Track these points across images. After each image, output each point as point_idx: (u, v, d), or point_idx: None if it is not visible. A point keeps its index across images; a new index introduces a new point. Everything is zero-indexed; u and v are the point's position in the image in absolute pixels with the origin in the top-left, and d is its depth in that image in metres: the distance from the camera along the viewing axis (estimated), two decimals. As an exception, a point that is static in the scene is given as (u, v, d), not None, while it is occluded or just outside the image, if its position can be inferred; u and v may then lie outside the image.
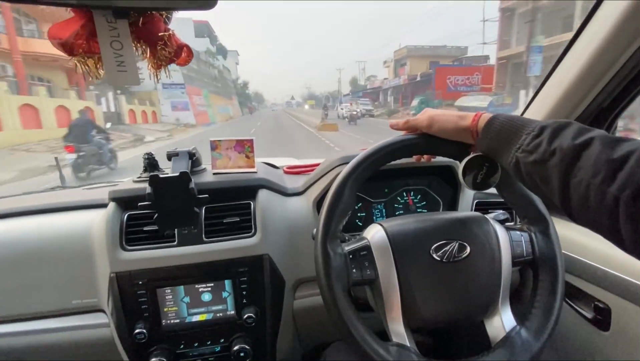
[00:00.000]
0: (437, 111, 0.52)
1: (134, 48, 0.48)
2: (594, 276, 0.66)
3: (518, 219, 0.61)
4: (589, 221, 0.36)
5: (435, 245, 0.50)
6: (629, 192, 0.30)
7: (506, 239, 0.53)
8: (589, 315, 0.68)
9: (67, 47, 0.44)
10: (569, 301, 0.73)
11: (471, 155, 0.51)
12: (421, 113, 0.54)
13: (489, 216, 0.57)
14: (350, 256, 0.50)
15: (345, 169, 0.51)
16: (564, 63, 0.70)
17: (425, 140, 0.52)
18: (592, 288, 0.67)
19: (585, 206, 0.34)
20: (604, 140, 0.35)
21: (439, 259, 0.50)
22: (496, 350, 0.50)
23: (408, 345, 0.48)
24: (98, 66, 0.47)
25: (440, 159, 0.83)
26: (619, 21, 0.57)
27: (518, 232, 0.55)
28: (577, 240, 0.72)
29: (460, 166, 0.52)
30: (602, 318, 0.65)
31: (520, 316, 0.53)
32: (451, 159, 0.54)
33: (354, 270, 0.50)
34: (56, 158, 1.13)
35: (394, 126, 0.57)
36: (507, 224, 0.58)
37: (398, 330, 0.50)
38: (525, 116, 0.84)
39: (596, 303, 0.66)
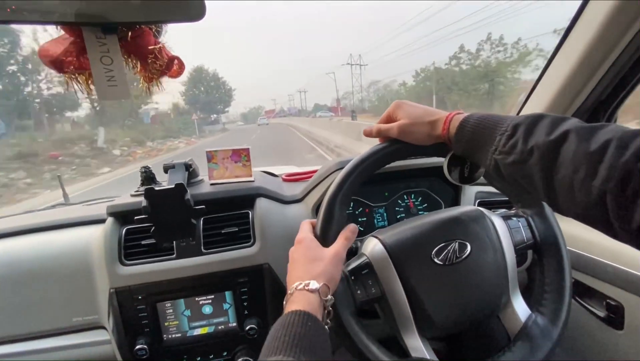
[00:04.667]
0: (407, 120, 0.49)
1: (125, 63, 0.48)
2: (604, 273, 0.64)
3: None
4: (579, 215, 0.35)
5: (435, 249, 0.49)
6: (614, 184, 0.30)
7: (504, 228, 0.53)
8: (601, 314, 0.66)
9: (58, 65, 0.45)
10: (580, 300, 0.71)
11: (451, 152, 0.50)
12: (390, 119, 0.52)
13: (484, 209, 0.56)
14: (352, 277, 0.49)
15: (330, 189, 0.50)
16: (559, 57, 0.69)
17: (405, 145, 0.51)
18: (603, 285, 0.65)
19: (573, 201, 0.34)
20: (578, 131, 0.34)
21: (441, 263, 0.49)
22: (516, 344, 0.49)
23: (428, 357, 0.47)
24: (89, 81, 0.48)
25: (438, 160, 0.82)
26: (612, 10, 0.56)
27: (515, 218, 0.55)
28: (584, 237, 0.70)
29: (444, 164, 0.51)
30: (615, 317, 0.63)
31: (534, 303, 0.53)
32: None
33: (359, 291, 0.48)
34: (59, 176, 1.14)
35: (367, 133, 0.55)
36: (502, 211, 0.58)
37: (415, 345, 0.48)
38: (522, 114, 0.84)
39: (608, 300, 0.64)
